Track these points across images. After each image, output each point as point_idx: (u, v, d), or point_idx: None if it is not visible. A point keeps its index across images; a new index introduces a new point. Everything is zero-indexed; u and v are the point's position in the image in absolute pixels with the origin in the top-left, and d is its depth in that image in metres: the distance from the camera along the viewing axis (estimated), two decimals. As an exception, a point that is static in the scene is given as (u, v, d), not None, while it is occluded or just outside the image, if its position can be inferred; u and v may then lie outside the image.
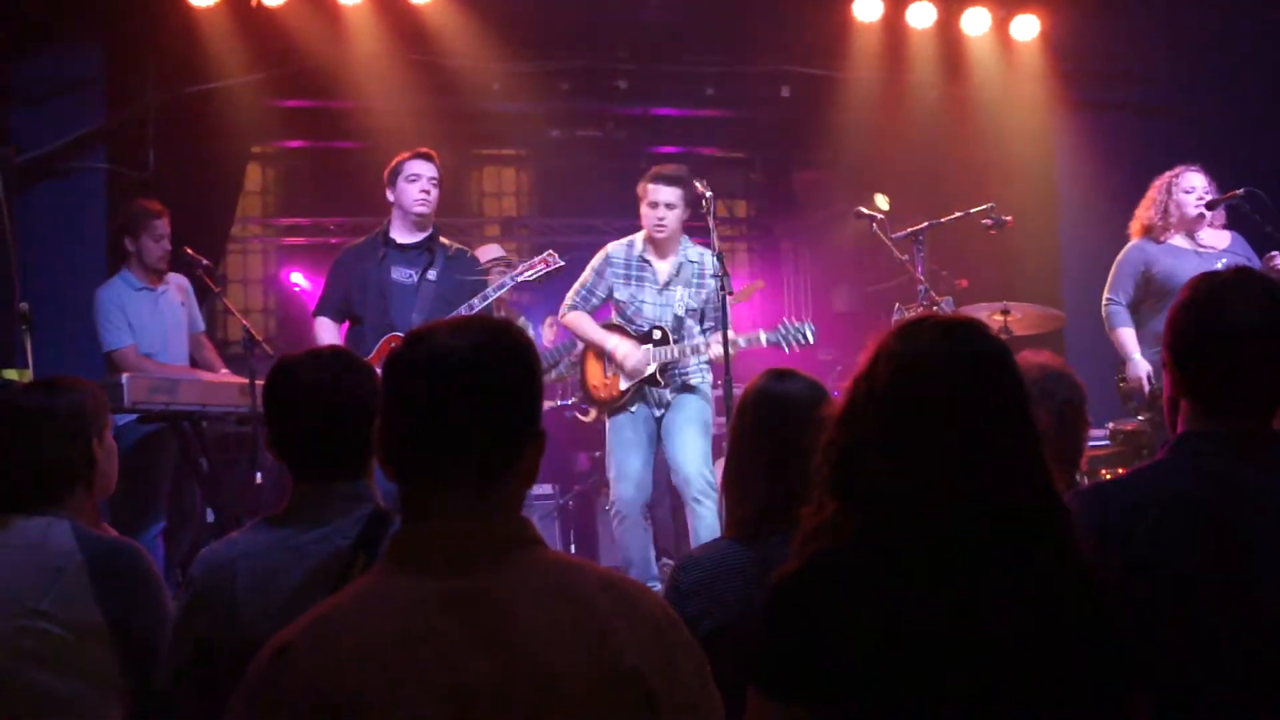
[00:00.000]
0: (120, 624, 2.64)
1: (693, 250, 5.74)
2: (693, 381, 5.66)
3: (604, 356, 5.69)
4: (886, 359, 1.87)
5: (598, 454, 7.99)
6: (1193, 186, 5.75)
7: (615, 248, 5.78)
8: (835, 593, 1.79)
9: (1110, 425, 6.17)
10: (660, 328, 5.62)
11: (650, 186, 5.61)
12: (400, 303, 5.38)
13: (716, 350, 5.44)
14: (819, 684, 1.76)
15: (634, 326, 5.70)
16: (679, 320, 5.63)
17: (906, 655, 1.74)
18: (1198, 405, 2.20)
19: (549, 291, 7.10)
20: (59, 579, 2.61)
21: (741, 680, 1.85)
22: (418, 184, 5.48)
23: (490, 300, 5.51)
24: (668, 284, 5.65)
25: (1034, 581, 1.80)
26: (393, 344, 5.22)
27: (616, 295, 5.73)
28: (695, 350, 5.56)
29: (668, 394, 5.65)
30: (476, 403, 1.66)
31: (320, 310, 5.53)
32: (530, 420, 1.73)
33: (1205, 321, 2.18)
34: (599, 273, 5.75)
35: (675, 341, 5.58)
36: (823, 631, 1.77)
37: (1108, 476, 5.64)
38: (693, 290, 5.66)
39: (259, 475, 5.37)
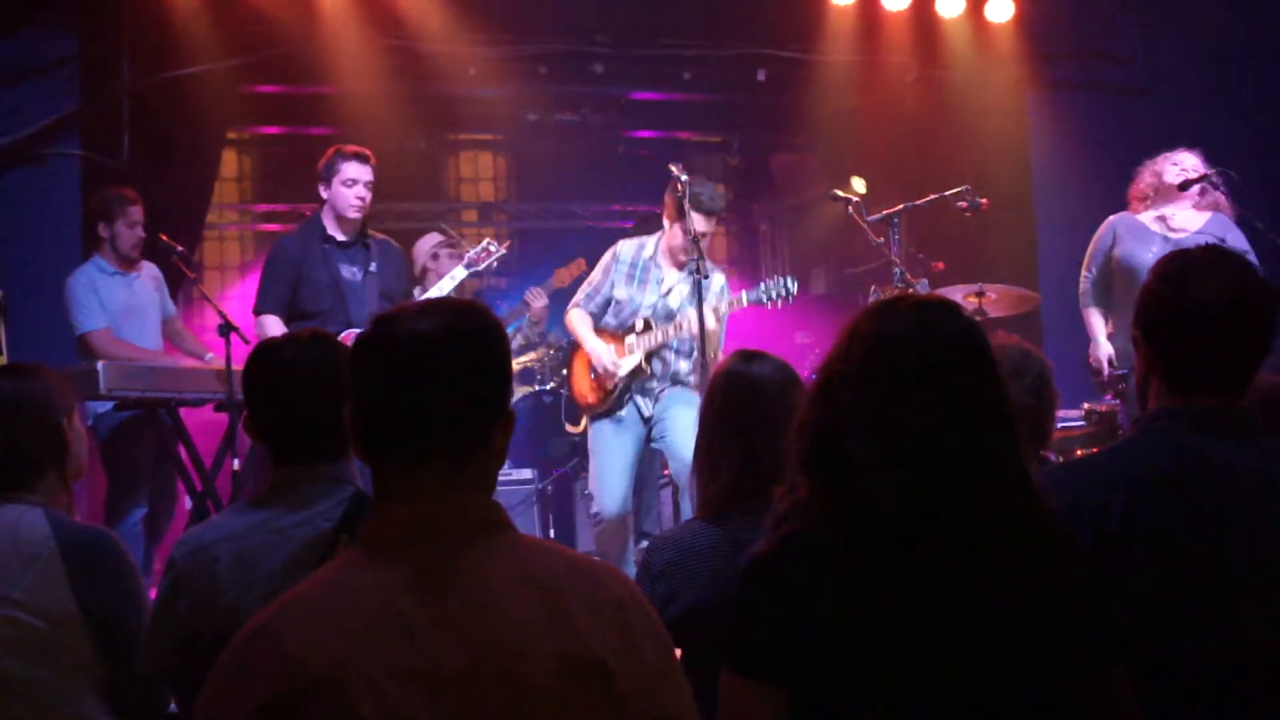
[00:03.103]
0: (95, 612, 2.63)
1: (709, 268, 5.55)
2: (684, 379, 5.53)
3: (590, 364, 5.58)
4: (861, 338, 1.88)
5: (577, 439, 8.02)
6: (1180, 160, 5.69)
7: (625, 247, 5.65)
8: (809, 572, 1.80)
9: (1085, 405, 6.21)
10: (646, 319, 5.51)
11: (695, 213, 5.31)
12: (353, 299, 5.32)
13: (713, 325, 5.29)
14: (793, 663, 1.78)
15: (621, 323, 5.60)
16: (670, 319, 5.48)
17: (881, 633, 1.76)
18: (1168, 382, 2.22)
19: (523, 275, 7.11)
20: (32, 567, 2.60)
21: (714, 659, 1.87)
22: (354, 189, 5.36)
23: (446, 293, 5.47)
24: (670, 291, 5.52)
25: (1009, 559, 1.81)
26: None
27: (615, 293, 5.60)
28: (679, 328, 5.40)
29: (657, 386, 5.54)
30: (445, 385, 1.67)
31: (266, 307, 5.31)
32: (499, 401, 1.74)
33: (1174, 298, 2.20)
34: (605, 270, 5.64)
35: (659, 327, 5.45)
36: (797, 611, 1.78)
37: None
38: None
39: (236, 462, 5.35)
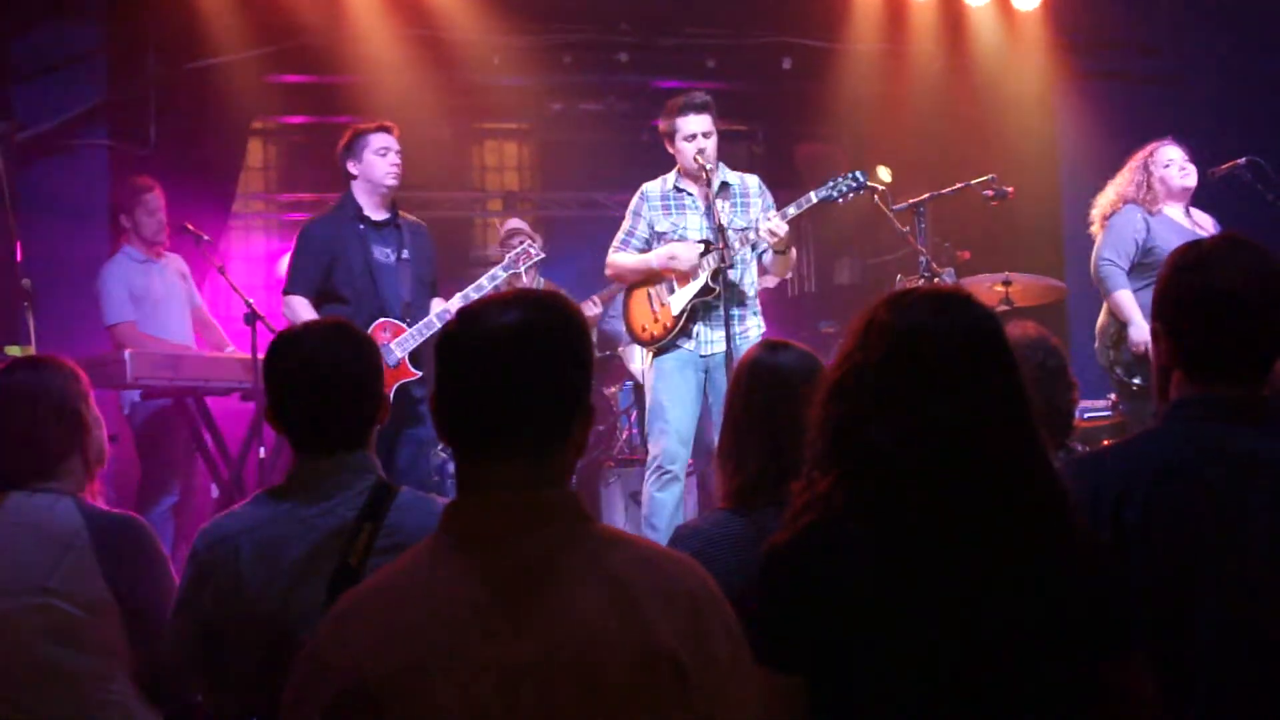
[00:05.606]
0: (127, 598, 2.68)
1: (731, 174, 5.54)
2: (751, 334, 5.40)
3: (652, 280, 5.48)
4: (879, 332, 1.88)
5: (601, 428, 8.01)
6: (1171, 159, 5.67)
7: (649, 185, 5.59)
8: (829, 562, 1.81)
9: (1111, 396, 6.17)
10: (706, 241, 5.35)
11: (680, 120, 5.39)
12: (386, 284, 5.28)
13: (777, 223, 5.24)
14: (814, 653, 1.79)
15: None
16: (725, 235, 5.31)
17: (901, 624, 1.77)
18: (1189, 372, 2.21)
19: (546, 265, 7.10)
20: (66, 556, 2.65)
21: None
22: (388, 157, 5.32)
23: (485, 292, 5.45)
24: (709, 206, 5.38)
25: (1028, 548, 1.82)
26: (386, 329, 5.18)
27: (658, 228, 5.51)
28: (745, 239, 5.32)
29: (715, 340, 5.36)
30: (524, 379, 1.69)
31: (296, 289, 5.24)
32: (579, 393, 1.76)
33: (1195, 287, 2.19)
34: (636, 213, 5.58)
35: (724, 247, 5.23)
36: (817, 601, 1.79)
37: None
38: (738, 210, 5.47)
39: (262, 450, 5.38)
